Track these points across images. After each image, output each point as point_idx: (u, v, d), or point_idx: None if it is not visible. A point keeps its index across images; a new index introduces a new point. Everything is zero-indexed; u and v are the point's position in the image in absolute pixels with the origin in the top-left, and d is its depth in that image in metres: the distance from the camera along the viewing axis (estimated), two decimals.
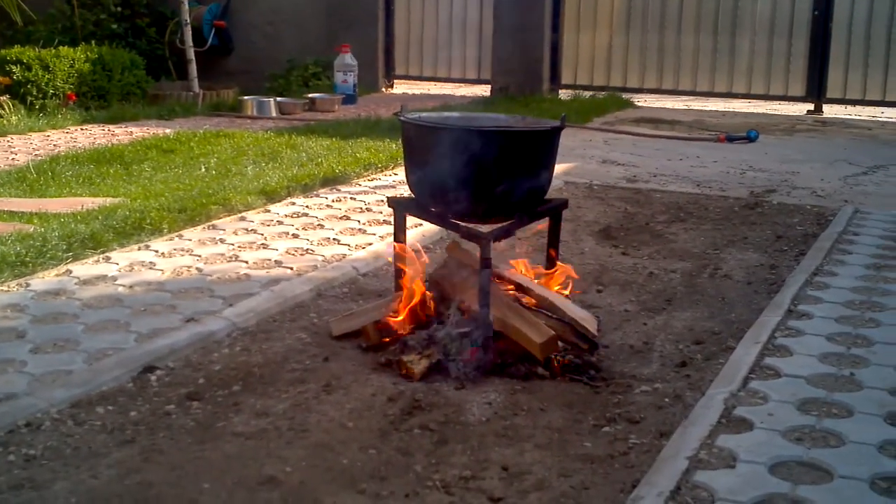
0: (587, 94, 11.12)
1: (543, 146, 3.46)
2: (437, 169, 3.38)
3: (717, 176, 6.81)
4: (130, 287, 4.01)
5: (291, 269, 4.31)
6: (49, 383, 3.07)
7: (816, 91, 10.80)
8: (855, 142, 8.72)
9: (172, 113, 9.52)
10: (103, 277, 4.12)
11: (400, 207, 3.71)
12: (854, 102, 10.89)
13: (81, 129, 8.56)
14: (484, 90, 11.62)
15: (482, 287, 3.27)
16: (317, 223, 5.13)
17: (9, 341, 3.42)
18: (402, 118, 3.49)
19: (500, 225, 3.41)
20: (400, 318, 3.50)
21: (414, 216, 3.81)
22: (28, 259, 4.18)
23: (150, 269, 4.26)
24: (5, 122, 8.51)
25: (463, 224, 3.43)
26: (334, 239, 4.82)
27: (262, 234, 4.87)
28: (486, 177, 3.30)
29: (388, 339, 3.47)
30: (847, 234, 5.07)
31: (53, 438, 2.77)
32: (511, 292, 3.52)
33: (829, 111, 10.91)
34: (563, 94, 11.44)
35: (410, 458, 2.70)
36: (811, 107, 10.87)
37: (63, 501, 2.44)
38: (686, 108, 11.20)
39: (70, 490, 2.49)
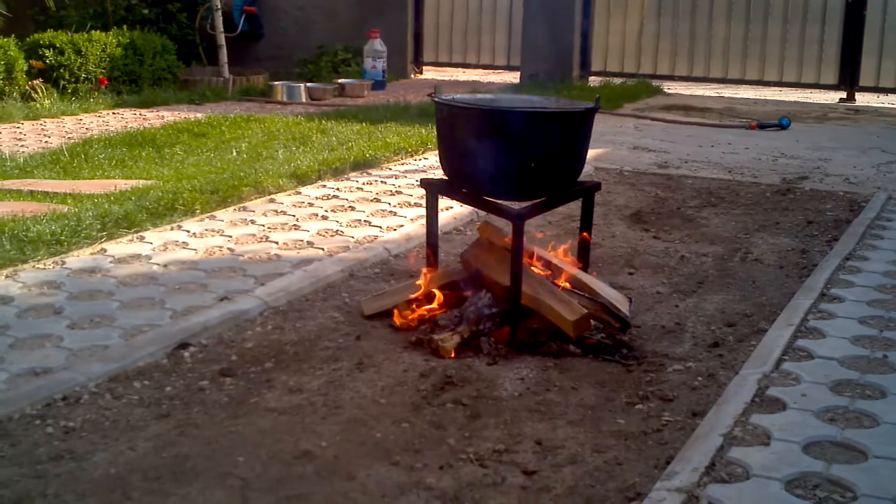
0: (617, 80, 11.08)
1: (577, 127, 3.46)
2: (470, 149, 3.39)
3: (749, 162, 6.78)
4: (164, 266, 4.05)
5: (322, 249, 4.34)
6: (86, 358, 3.11)
7: (849, 79, 10.71)
8: (888, 130, 8.64)
9: (203, 98, 9.58)
10: (137, 256, 4.16)
11: (432, 188, 3.72)
12: (887, 91, 10.79)
13: (113, 113, 8.63)
14: (513, 77, 11.60)
15: (514, 265, 3.28)
16: (347, 205, 5.15)
17: (46, 317, 3.46)
18: (436, 99, 3.50)
19: (532, 203, 3.41)
20: (431, 297, 3.51)
21: (446, 197, 3.82)
22: (63, 238, 4.23)
23: (184, 248, 4.30)
24: (38, 105, 8.60)
25: (495, 202, 3.44)
26: (365, 221, 4.84)
27: (293, 216, 4.89)
28: (519, 157, 3.31)
29: (419, 318, 3.49)
30: (880, 220, 5.04)
31: (92, 411, 2.81)
32: (543, 271, 3.52)
33: (862, 99, 10.82)
34: (594, 81, 11.39)
35: (444, 431, 2.72)
36: (843, 95, 10.78)
37: (102, 472, 2.47)
38: (717, 95, 11.14)
39: (109, 461, 2.52)
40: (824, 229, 5.01)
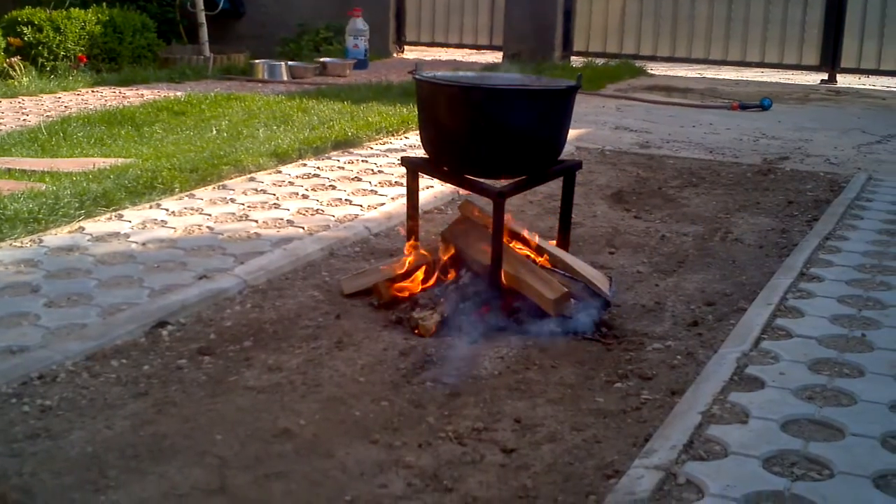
0: (600, 61, 11.06)
1: (559, 105, 3.44)
2: (451, 127, 3.38)
3: (730, 143, 6.78)
4: (143, 244, 4.02)
5: (303, 228, 4.32)
6: (63, 336, 3.09)
7: (831, 60, 10.73)
8: (869, 111, 8.68)
9: (183, 76, 9.51)
10: (116, 235, 4.13)
11: (413, 167, 3.70)
12: (868, 72, 10.83)
13: (92, 91, 8.56)
14: (495, 57, 11.57)
15: (494, 243, 3.27)
16: (328, 184, 5.13)
17: (23, 295, 3.43)
18: (417, 76, 3.48)
19: (512, 181, 3.41)
20: (411, 276, 3.51)
21: (427, 175, 3.81)
22: (41, 216, 4.19)
23: (162, 227, 4.27)
24: (17, 83, 8.52)
25: (476, 180, 3.43)
26: (346, 199, 4.82)
27: (273, 195, 4.87)
28: (500, 135, 3.29)
29: (399, 297, 3.48)
30: (860, 200, 5.06)
31: (69, 390, 2.78)
32: (524, 250, 3.52)
33: (843, 81, 10.85)
34: (576, 61, 11.38)
35: (423, 410, 2.72)
36: (825, 76, 10.81)
37: (79, 451, 2.45)
38: (699, 76, 11.14)
39: (86, 440, 2.51)
40: (804, 209, 5.02)
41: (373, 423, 2.64)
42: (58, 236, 4.08)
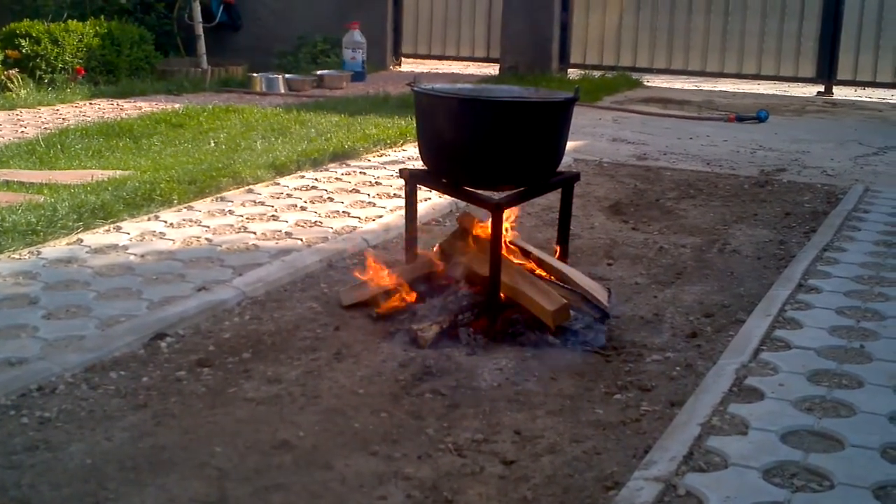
0: (597, 73, 11.08)
1: (557, 117, 3.45)
2: (449, 138, 3.38)
3: (727, 155, 6.80)
4: (141, 256, 4.02)
5: (301, 240, 4.32)
6: (62, 348, 3.09)
7: (827, 73, 10.74)
8: (865, 123, 8.69)
9: (181, 88, 9.52)
10: (114, 246, 4.13)
11: (412, 178, 3.71)
12: (865, 84, 10.83)
13: (90, 104, 8.57)
14: (493, 69, 11.58)
15: (493, 255, 3.27)
16: (326, 196, 5.14)
17: (21, 307, 3.43)
18: (416, 88, 3.49)
19: (511, 193, 3.41)
20: (410, 287, 3.51)
21: (425, 186, 3.81)
22: (39, 228, 4.19)
23: (161, 238, 4.27)
24: (14, 95, 8.53)
25: (474, 192, 3.43)
26: (344, 212, 4.83)
27: (272, 207, 4.87)
28: (498, 147, 3.30)
29: (398, 309, 3.47)
30: (857, 211, 5.07)
31: (68, 402, 2.78)
32: (522, 262, 3.52)
33: (840, 93, 10.86)
34: (573, 73, 11.39)
35: (422, 421, 2.72)
36: (821, 88, 10.82)
37: (78, 462, 2.45)
38: (696, 88, 11.16)
39: (85, 452, 2.50)
40: (802, 221, 5.03)
41: (372, 434, 2.64)
42: (56, 248, 4.08)
